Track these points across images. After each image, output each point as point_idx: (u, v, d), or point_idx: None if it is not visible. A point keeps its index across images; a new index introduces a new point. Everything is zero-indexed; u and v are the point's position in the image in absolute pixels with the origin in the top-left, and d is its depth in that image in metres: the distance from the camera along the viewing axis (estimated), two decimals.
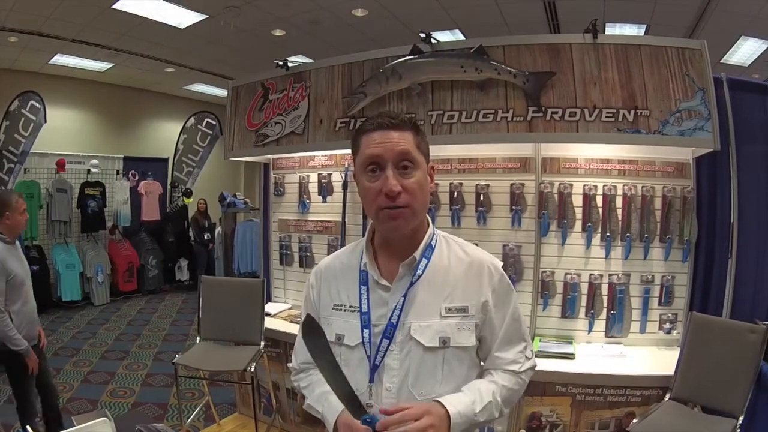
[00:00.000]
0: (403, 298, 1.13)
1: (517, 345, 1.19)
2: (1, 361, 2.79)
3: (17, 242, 2.89)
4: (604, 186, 2.77)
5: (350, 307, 1.17)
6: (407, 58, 2.80)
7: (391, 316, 1.12)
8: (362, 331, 1.13)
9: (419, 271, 1.15)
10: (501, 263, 1.22)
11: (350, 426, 1.05)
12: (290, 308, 3.59)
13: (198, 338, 3.34)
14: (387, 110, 2.85)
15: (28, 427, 1.57)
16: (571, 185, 2.80)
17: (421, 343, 1.11)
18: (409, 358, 1.11)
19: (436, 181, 2.91)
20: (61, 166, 6.92)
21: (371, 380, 1.11)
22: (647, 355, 2.63)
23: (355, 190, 1.18)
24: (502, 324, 1.17)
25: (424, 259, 1.16)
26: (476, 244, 1.25)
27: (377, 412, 1.05)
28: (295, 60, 3.49)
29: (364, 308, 1.15)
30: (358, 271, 1.19)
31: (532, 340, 2.72)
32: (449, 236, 1.24)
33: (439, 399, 1.06)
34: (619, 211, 2.75)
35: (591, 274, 2.78)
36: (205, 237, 7.93)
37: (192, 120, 8.83)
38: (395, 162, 1.07)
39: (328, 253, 3.49)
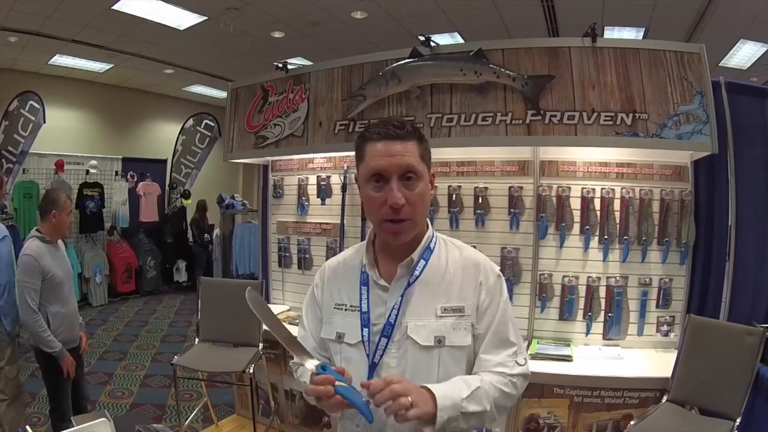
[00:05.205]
0: (400, 298, 1.15)
1: (505, 349, 1.16)
2: (37, 360, 2.73)
3: (61, 243, 2.82)
4: (602, 189, 2.77)
5: (351, 306, 1.19)
6: (406, 61, 2.81)
7: (389, 315, 1.15)
8: (362, 330, 1.16)
9: (417, 272, 1.17)
10: (498, 267, 1.23)
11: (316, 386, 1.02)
12: (289, 310, 3.59)
13: (197, 339, 3.34)
14: (391, 117, 2.84)
15: (27, 427, 1.57)
16: (569, 188, 2.81)
17: (417, 342, 1.13)
18: (406, 356, 1.13)
19: (435, 184, 2.92)
20: (59, 166, 6.90)
21: (370, 377, 1.13)
22: (645, 358, 2.64)
23: (355, 192, 1.20)
24: (491, 325, 1.16)
25: (422, 260, 1.18)
26: (474, 247, 1.26)
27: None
28: (295, 62, 3.49)
29: (364, 308, 1.17)
30: (359, 272, 1.21)
31: (530, 342, 2.73)
32: (448, 239, 1.25)
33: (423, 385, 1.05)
34: (617, 214, 2.76)
35: (589, 277, 2.79)
36: (204, 238, 7.93)
37: (191, 121, 8.83)
38: (399, 175, 1.09)
39: (327, 255, 3.48)
